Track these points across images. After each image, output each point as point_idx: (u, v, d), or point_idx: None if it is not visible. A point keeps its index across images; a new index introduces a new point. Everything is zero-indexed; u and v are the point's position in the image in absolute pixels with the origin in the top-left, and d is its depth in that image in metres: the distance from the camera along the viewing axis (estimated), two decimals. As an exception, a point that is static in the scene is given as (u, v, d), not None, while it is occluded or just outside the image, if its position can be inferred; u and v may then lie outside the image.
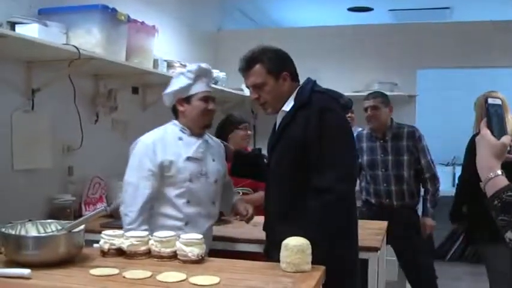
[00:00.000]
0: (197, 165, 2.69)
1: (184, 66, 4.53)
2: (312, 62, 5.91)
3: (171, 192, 2.68)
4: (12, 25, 2.88)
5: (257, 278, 2.00)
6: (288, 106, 2.49)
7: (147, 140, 2.70)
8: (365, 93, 5.31)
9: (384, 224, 3.51)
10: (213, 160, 2.76)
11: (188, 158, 2.68)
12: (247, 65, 2.53)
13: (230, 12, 6.71)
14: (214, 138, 2.95)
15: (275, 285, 1.91)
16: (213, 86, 4.82)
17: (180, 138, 2.73)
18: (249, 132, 4.04)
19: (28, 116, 3.25)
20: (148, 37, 3.77)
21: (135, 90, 4.43)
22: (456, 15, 6.90)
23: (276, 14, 7.21)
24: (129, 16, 3.45)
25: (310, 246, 2.10)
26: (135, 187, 2.64)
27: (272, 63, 2.49)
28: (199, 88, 2.70)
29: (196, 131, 2.75)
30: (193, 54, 5.47)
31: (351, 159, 2.43)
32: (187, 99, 2.70)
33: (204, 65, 2.75)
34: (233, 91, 5.41)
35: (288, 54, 2.59)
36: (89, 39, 3.18)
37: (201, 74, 2.72)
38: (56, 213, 3.36)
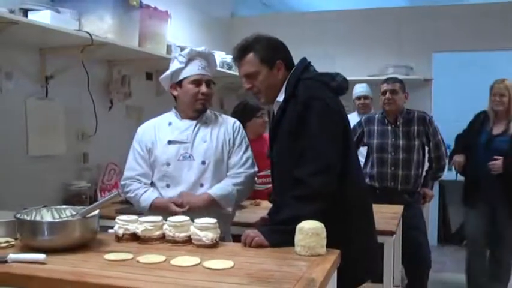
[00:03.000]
0: (179, 148, 2.67)
1: (198, 51, 4.53)
2: (326, 46, 5.90)
3: (155, 176, 2.73)
4: (25, 12, 2.88)
5: (271, 262, 1.99)
6: (281, 97, 2.44)
7: (139, 128, 2.84)
8: (380, 77, 5.31)
9: (399, 208, 3.50)
10: (204, 141, 2.70)
11: (169, 142, 2.69)
12: (240, 54, 2.45)
13: (243, -2, 6.67)
14: (223, 117, 2.87)
15: (289, 269, 1.90)
16: (227, 71, 4.84)
17: (170, 123, 2.74)
18: (265, 119, 4.00)
19: (42, 103, 3.27)
20: (161, 23, 3.75)
21: (149, 76, 4.42)
22: (473, -3, 6.77)
23: (290, -2, 7.14)
24: (141, 1, 3.44)
25: (324, 229, 2.08)
26: (127, 168, 2.80)
27: (265, 52, 2.42)
28: (190, 71, 2.67)
29: (191, 115, 2.73)
30: (206, 40, 5.44)
31: (331, 151, 2.28)
32: (179, 83, 2.70)
33: (198, 48, 2.72)
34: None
35: (283, 42, 2.51)
36: (101, 25, 3.18)
37: (193, 57, 2.69)
38: (71, 199, 3.39)
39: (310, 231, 2.07)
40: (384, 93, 4.13)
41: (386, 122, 4.17)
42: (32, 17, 2.84)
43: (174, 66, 2.70)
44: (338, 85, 2.43)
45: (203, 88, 2.67)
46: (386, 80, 4.26)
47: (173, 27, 4.13)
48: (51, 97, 3.32)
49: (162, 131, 2.73)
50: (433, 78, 5.91)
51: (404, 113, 4.16)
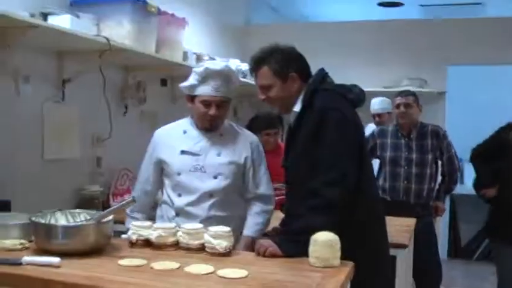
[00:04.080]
0: (192, 159, 2.65)
1: (213, 59, 4.54)
2: (340, 57, 5.90)
3: (166, 182, 2.72)
4: (45, 16, 2.91)
5: (285, 272, 1.99)
6: (298, 107, 2.44)
7: (155, 133, 2.83)
8: (394, 89, 5.31)
9: (412, 222, 3.47)
10: (218, 155, 2.67)
11: (182, 152, 2.66)
12: (255, 66, 2.47)
13: (258, 6, 6.69)
14: (243, 131, 2.85)
15: (303, 280, 1.90)
16: (241, 79, 4.83)
17: (185, 132, 2.72)
18: (271, 139, 3.94)
19: (59, 107, 3.29)
20: (178, 29, 3.77)
21: (163, 83, 4.43)
22: (488, 10, 6.77)
23: (305, 8, 7.16)
24: (159, 8, 3.45)
25: (339, 241, 2.08)
26: (140, 173, 2.82)
27: (279, 65, 2.41)
28: (202, 91, 2.60)
29: (202, 128, 2.71)
30: (221, 47, 5.47)
31: (346, 163, 2.28)
32: (192, 99, 2.66)
33: (215, 66, 2.62)
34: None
35: (299, 53, 2.50)
36: (120, 30, 3.20)
37: (208, 76, 2.60)
38: (85, 203, 3.39)
39: (324, 242, 2.06)
40: (398, 106, 4.13)
41: (400, 135, 4.16)
42: (52, 21, 2.86)
43: (191, 80, 2.65)
44: (355, 97, 2.44)
45: (212, 110, 2.61)
46: (400, 93, 4.25)
47: (189, 34, 4.15)
48: (68, 101, 3.34)
49: (176, 139, 2.71)
50: (447, 92, 5.88)
51: (418, 127, 4.15)
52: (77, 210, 2.43)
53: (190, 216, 2.60)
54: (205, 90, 2.61)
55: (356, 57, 5.97)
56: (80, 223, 2.26)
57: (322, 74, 2.49)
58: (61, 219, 2.32)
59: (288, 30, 5.97)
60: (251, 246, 2.53)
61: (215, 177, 2.64)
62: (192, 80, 2.64)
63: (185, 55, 3.99)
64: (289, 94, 2.44)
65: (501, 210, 3.63)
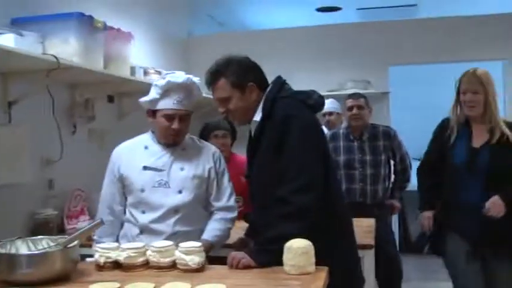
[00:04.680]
0: (155, 175, 2.59)
1: (160, 72, 4.47)
2: (283, 63, 5.91)
3: (129, 200, 2.65)
4: (-14, 36, 2.78)
5: (263, 283, 1.98)
6: (258, 116, 2.43)
7: (115, 150, 2.74)
8: (339, 93, 5.39)
9: (371, 222, 3.52)
10: (182, 169, 2.63)
11: (145, 168, 2.60)
12: (211, 79, 2.44)
13: (199, 17, 6.67)
14: (204, 144, 2.82)
15: (284, 289, 1.88)
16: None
17: (146, 147, 2.66)
18: (221, 140, 3.82)
19: (5, 129, 3.14)
20: (125, 44, 3.69)
21: (110, 99, 4.33)
22: (422, 11, 6.99)
23: (245, 17, 7.20)
24: (105, 23, 3.37)
25: (312, 247, 2.07)
26: (102, 192, 2.73)
27: (236, 77, 2.40)
28: (164, 105, 2.55)
29: (164, 143, 2.66)
30: (165, 60, 5.41)
31: (313, 168, 2.28)
32: (154, 113, 2.60)
33: (177, 79, 2.56)
34: (207, 96, 5.34)
35: (255, 63, 2.49)
36: (66, 48, 3.09)
37: (170, 89, 2.54)
38: (39, 228, 3.25)
39: (299, 250, 2.06)
40: (350, 108, 4.18)
41: (352, 137, 4.21)
42: (-6, 41, 2.74)
43: (151, 94, 2.58)
44: (315, 102, 2.45)
45: (175, 124, 2.55)
46: (351, 96, 4.31)
47: (134, 48, 4.07)
48: (15, 123, 3.20)
49: (138, 155, 2.65)
50: (390, 91, 6.02)
51: (370, 128, 4.22)
52: (38, 237, 2.32)
53: (155, 233, 2.53)
54: (168, 104, 2.55)
55: (300, 63, 6.02)
56: (45, 250, 2.16)
57: (280, 82, 2.49)
58: (22, 248, 2.21)
59: (230, 39, 5.97)
60: (208, 250, 2.48)
61: (180, 192, 2.59)
62: (153, 93, 2.58)
63: (133, 70, 3.91)
64: (249, 104, 2.43)
65: (441, 219, 3.23)
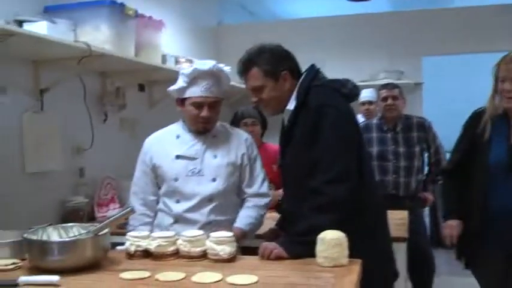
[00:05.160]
0: (188, 163, 2.57)
1: (191, 61, 4.45)
2: (314, 54, 5.78)
3: (163, 189, 2.63)
4: (20, 23, 2.78)
5: (296, 275, 1.93)
6: (291, 104, 2.38)
7: (146, 140, 2.72)
8: (372, 83, 5.29)
9: (404, 214, 3.45)
10: (215, 157, 2.61)
11: (177, 157, 2.58)
12: (243, 68, 2.41)
13: (229, 6, 6.62)
14: (235, 130, 2.78)
15: (317, 281, 1.84)
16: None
17: (178, 136, 2.64)
18: (249, 128, 3.81)
19: (38, 117, 3.16)
20: (156, 32, 3.68)
21: (141, 88, 4.33)
22: (457, 0, 6.82)
23: (275, 6, 7.11)
24: (136, 11, 3.35)
25: (346, 239, 2.03)
26: (134, 183, 2.70)
27: (269, 65, 2.36)
28: (192, 92, 2.53)
29: (195, 131, 2.63)
30: (195, 49, 5.38)
31: (347, 159, 2.23)
32: (183, 102, 2.58)
33: (203, 67, 2.53)
34: (237, 85, 5.31)
35: (287, 51, 2.43)
36: (98, 35, 3.09)
37: (198, 77, 2.52)
38: (69, 216, 3.28)
39: (332, 241, 2.01)
40: (385, 99, 4.10)
41: (385, 128, 4.13)
42: (28, 28, 2.74)
43: (178, 83, 2.57)
44: (349, 91, 2.39)
45: (204, 112, 2.53)
46: (385, 86, 4.22)
47: (165, 36, 4.05)
48: (47, 111, 3.21)
49: (170, 144, 2.63)
50: (423, 82, 5.90)
51: (403, 119, 4.13)
52: (69, 224, 2.32)
53: (189, 222, 2.52)
54: (196, 91, 2.53)
55: (331, 53, 5.93)
56: (76, 237, 2.16)
57: (314, 70, 2.43)
58: (53, 235, 2.22)
59: (260, 28, 5.91)
60: (241, 238, 2.46)
61: (214, 180, 2.57)
62: (180, 82, 2.56)
63: (164, 58, 3.89)
64: (282, 93, 2.38)
65: (470, 226, 2.71)
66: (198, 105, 2.53)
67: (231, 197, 2.63)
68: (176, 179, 2.56)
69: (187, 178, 2.56)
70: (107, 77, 3.78)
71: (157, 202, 2.66)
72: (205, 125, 2.58)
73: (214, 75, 2.55)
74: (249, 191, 2.66)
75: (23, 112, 3.07)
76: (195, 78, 2.52)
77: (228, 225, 2.50)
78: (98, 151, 3.64)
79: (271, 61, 2.36)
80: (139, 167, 2.69)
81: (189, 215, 2.54)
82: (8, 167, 2.96)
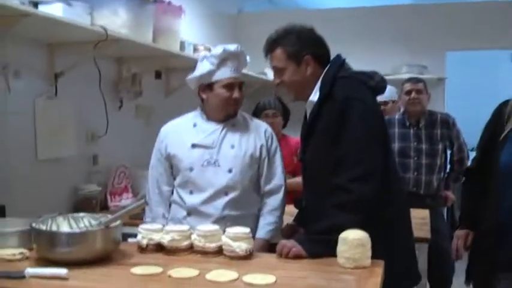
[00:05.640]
0: (204, 153, 2.48)
1: (209, 49, 4.35)
2: (337, 45, 5.63)
3: (177, 180, 2.55)
4: (35, 4, 2.67)
5: (315, 276, 1.83)
6: (315, 96, 2.27)
7: (163, 128, 2.65)
8: (394, 77, 5.15)
9: (425, 213, 3.34)
10: (232, 147, 2.52)
11: (193, 145, 2.49)
12: (268, 48, 2.33)
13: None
14: (254, 121, 2.68)
15: (338, 284, 1.75)
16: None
17: (195, 125, 2.55)
18: (270, 120, 3.74)
19: (51, 103, 3.08)
20: (175, 18, 3.57)
21: (158, 75, 4.24)
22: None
23: (297, -5, 6.98)
24: (155, -5, 3.26)
25: (369, 239, 1.92)
26: (150, 173, 2.64)
27: (292, 47, 2.26)
28: (223, 74, 2.45)
29: (218, 118, 2.54)
30: (214, 37, 5.27)
31: (374, 156, 2.12)
32: (210, 86, 2.49)
33: (231, 47, 2.47)
34: (255, 75, 5.22)
35: (318, 36, 2.33)
36: (115, 19, 2.99)
37: (227, 58, 2.45)
38: (82, 204, 3.22)
39: (355, 241, 1.90)
40: (409, 93, 3.96)
41: (408, 124, 4.00)
42: (43, 9, 2.64)
43: (204, 67, 2.47)
44: (376, 84, 2.26)
45: (236, 93, 2.47)
46: (410, 80, 4.10)
47: (184, 23, 3.95)
48: (61, 96, 3.13)
49: (186, 133, 2.54)
50: (447, 77, 5.75)
51: (427, 115, 3.99)
52: (80, 214, 2.23)
53: (202, 216, 2.43)
54: (226, 73, 2.46)
55: (352, 45, 5.73)
56: (86, 229, 2.07)
57: (340, 61, 2.32)
58: (63, 225, 2.13)
59: (281, 17, 5.68)
60: (265, 249, 2.37)
61: (230, 171, 2.47)
62: (206, 66, 2.47)
63: (182, 45, 3.79)
64: (303, 79, 2.27)
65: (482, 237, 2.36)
66: (230, 87, 2.46)
67: (248, 191, 2.52)
68: (191, 169, 2.47)
69: (203, 168, 2.47)
70: (123, 63, 3.69)
71: (172, 193, 2.58)
72: (236, 107, 2.52)
73: (239, 57, 2.51)
74: (266, 188, 2.56)
75: (37, 97, 2.98)
76: (224, 59, 2.45)
77: (244, 222, 2.37)
78: (112, 139, 3.56)
79: (296, 44, 2.26)
80: (154, 155, 2.63)
81: (203, 208, 2.45)
82: (20, 153, 2.88)
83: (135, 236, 2.19)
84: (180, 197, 2.52)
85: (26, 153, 2.93)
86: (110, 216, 2.06)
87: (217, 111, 2.52)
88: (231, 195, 2.46)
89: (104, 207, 3.43)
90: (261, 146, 2.55)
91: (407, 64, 5.59)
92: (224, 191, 2.46)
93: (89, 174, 3.44)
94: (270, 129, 2.64)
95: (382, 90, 2.31)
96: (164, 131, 2.62)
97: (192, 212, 2.47)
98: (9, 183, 2.77)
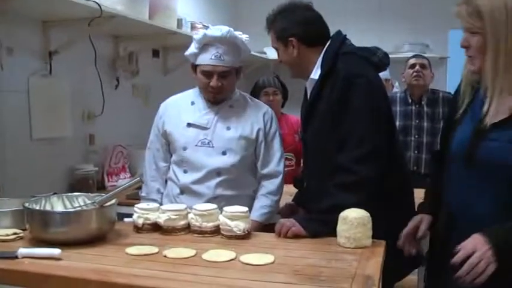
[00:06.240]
0: (199, 133, 2.43)
1: (207, 27, 4.28)
2: (337, 23, 5.55)
3: (173, 157, 2.52)
4: (27, -20, 2.62)
5: (315, 255, 1.78)
6: (316, 73, 2.21)
7: (162, 103, 2.59)
8: (395, 56, 5.08)
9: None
10: (228, 128, 2.44)
11: (189, 125, 2.44)
12: (267, 28, 2.32)
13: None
14: (255, 101, 2.61)
15: (338, 264, 1.69)
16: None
17: (193, 103, 2.50)
18: (271, 97, 3.75)
19: (46, 81, 3.02)
20: (172, -5, 3.50)
21: (155, 54, 4.17)
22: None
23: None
24: (151, -30, 3.18)
25: (370, 219, 1.87)
26: (148, 147, 2.60)
27: (280, 30, 2.24)
28: (202, 59, 2.38)
29: (208, 100, 2.48)
30: (212, 15, 5.19)
31: (377, 135, 2.06)
32: (195, 68, 2.45)
33: (215, 32, 2.37)
34: (254, 54, 5.13)
35: (308, 15, 2.27)
36: (110, -5, 2.91)
37: (209, 43, 2.37)
38: (78, 184, 3.18)
39: (355, 221, 1.86)
40: (413, 66, 3.92)
41: (410, 101, 3.95)
42: (36, -15, 2.58)
43: (191, 48, 2.42)
44: (379, 60, 2.20)
45: (213, 81, 2.37)
46: (415, 56, 4.08)
47: (182, 0, 3.88)
48: (56, 74, 3.07)
49: (184, 110, 2.49)
50: (449, 56, 5.67)
51: (429, 93, 3.94)
52: (75, 193, 2.19)
53: (195, 195, 2.39)
54: (205, 59, 2.38)
55: (353, 24, 5.67)
56: (80, 208, 2.03)
57: (341, 37, 2.26)
58: (57, 205, 2.10)
59: None
60: (258, 231, 2.30)
61: (224, 154, 2.41)
62: (192, 48, 2.41)
63: (179, 22, 3.72)
64: (293, 59, 2.25)
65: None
66: (208, 74, 2.38)
67: (243, 173, 2.47)
68: (185, 148, 2.43)
69: (196, 148, 2.42)
70: (120, 41, 3.63)
71: (169, 169, 2.54)
72: (215, 95, 2.43)
73: (227, 43, 2.38)
74: (262, 171, 2.50)
75: (31, 75, 2.92)
76: (205, 44, 2.37)
77: (239, 201, 2.27)
78: (109, 118, 3.50)
79: (282, 26, 2.25)
80: (153, 130, 2.59)
81: (195, 187, 2.41)
82: (14, 132, 2.83)
83: (131, 216, 2.14)
84: (175, 174, 2.48)
85: (21, 133, 2.88)
86: (105, 196, 2.01)
87: (203, 93, 2.48)
88: (224, 176, 2.41)
89: (101, 187, 3.39)
90: (259, 130, 2.48)
91: (409, 43, 5.51)
92: (216, 172, 2.40)
93: (86, 154, 3.40)
94: (270, 112, 2.56)
95: (384, 66, 2.25)
96: (163, 106, 2.58)
97: (184, 190, 2.43)
98: (3, 163, 2.73)
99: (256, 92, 3.79)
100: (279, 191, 2.53)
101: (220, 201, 2.28)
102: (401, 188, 2.23)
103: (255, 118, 2.50)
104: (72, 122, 3.24)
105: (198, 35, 2.40)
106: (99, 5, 2.72)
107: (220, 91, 2.42)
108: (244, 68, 5.45)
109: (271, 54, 4.72)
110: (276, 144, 2.52)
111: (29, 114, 2.92)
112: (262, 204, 2.47)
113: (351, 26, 5.55)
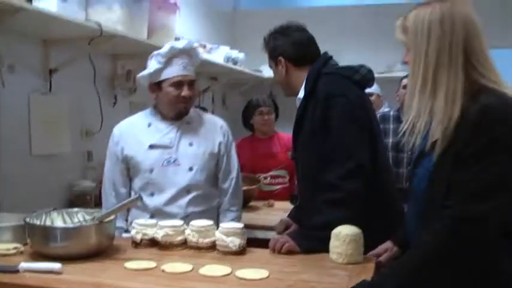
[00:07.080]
0: (163, 153, 2.46)
1: (204, 46, 4.36)
2: (331, 43, 5.62)
3: (136, 183, 2.51)
4: None
5: (309, 271, 1.84)
6: (301, 93, 2.32)
7: (115, 128, 2.61)
8: (387, 75, 5.19)
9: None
10: (190, 145, 2.49)
11: (151, 146, 2.47)
12: (264, 48, 2.46)
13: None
14: (209, 116, 2.70)
15: (331, 279, 1.75)
16: (232, 66, 4.67)
17: (149, 124, 2.53)
18: (265, 117, 3.83)
19: (46, 98, 3.07)
20: (170, 14, 3.56)
21: (152, 72, 4.22)
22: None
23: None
24: (150, -9, 3.25)
25: (362, 235, 1.93)
26: (105, 176, 2.61)
27: (271, 49, 2.39)
28: (170, 72, 2.42)
29: (172, 117, 2.52)
30: (209, 34, 5.27)
31: (361, 151, 2.13)
32: (159, 85, 2.46)
33: (179, 44, 2.45)
34: (250, 72, 5.22)
35: (299, 36, 2.35)
36: (110, 15, 2.97)
37: (175, 55, 2.43)
38: (76, 200, 3.21)
39: (347, 237, 1.92)
40: (406, 87, 3.98)
41: (402, 119, 4.01)
42: (37, 4, 2.63)
43: (153, 66, 2.44)
44: (362, 78, 2.28)
45: (185, 91, 2.43)
46: (407, 76, 4.11)
47: (179, 19, 3.94)
48: (55, 92, 3.12)
49: (142, 133, 2.51)
50: (441, 76, 5.75)
51: None
52: (74, 209, 2.25)
53: (167, 216, 2.37)
54: (174, 71, 2.43)
55: (348, 43, 5.81)
56: (80, 224, 2.08)
57: (325, 58, 2.35)
58: (57, 220, 2.15)
59: (277, 15, 5.71)
60: None
61: (190, 169, 2.47)
62: (154, 64, 2.45)
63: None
64: (283, 78, 2.39)
65: None
66: (178, 85, 2.43)
67: (209, 188, 2.55)
68: (151, 170, 2.45)
69: (163, 168, 2.45)
70: (118, 60, 3.68)
71: (129, 194, 2.53)
72: (186, 105, 2.49)
73: (189, 53, 2.49)
74: (224, 181, 2.59)
75: (31, 92, 2.98)
76: (171, 57, 2.43)
77: (208, 216, 2.35)
78: (107, 135, 3.50)
79: (273, 45, 2.38)
80: (108, 159, 2.59)
81: (167, 208, 2.44)
82: (14, 148, 2.87)
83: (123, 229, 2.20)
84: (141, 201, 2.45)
85: (21, 149, 2.92)
86: (103, 212, 2.06)
87: (168, 110, 2.50)
88: (194, 193, 2.46)
89: (99, 203, 3.40)
90: (220, 143, 2.57)
91: (401, 62, 5.59)
92: (186, 189, 2.45)
93: (84, 170, 3.43)
94: (225, 125, 2.66)
95: (368, 82, 2.33)
96: (117, 132, 2.58)
97: (156, 213, 2.43)
98: (3, 179, 2.77)
99: (250, 111, 3.86)
100: (239, 196, 2.66)
101: (191, 218, 2.26)
102: (388, 203, 2.28)
103: (215, 132, 2.58)
104: (71, 139, 3.29)
105: (163, 49, 2.44)
106: (99, 25, 2.78)
107: (190, 101, 2.50)
108: (240, 85, 5.60)
109: (267, 72, 4.80)
110: (234, 155, 2.64)
111: (29, 130, 2.96)
112: (228, 219, 2.55)
113: (344, 46, 5.71)
